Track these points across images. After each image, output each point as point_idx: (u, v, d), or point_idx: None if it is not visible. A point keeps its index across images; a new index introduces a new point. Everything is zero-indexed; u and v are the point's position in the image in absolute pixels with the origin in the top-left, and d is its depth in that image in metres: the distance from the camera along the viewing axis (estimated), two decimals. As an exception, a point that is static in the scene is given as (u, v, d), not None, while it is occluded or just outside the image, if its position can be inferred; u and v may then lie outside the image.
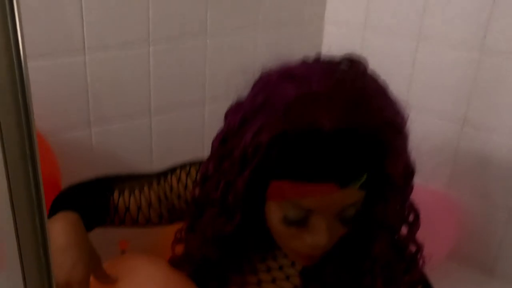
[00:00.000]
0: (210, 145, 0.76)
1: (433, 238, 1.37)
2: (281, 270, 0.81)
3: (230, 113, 0.73)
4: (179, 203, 0.85)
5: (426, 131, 1.44)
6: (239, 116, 0.69)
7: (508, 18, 1.24)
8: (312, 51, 1.61)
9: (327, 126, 0.62)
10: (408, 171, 0.77)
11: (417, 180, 1.52)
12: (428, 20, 1.38)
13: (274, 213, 0.69)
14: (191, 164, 0.86)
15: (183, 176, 0.85)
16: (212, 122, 1.38)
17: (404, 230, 0.81)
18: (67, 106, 1.19)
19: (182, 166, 0.87)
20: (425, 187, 1.47)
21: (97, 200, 0.83)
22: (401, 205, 0.77)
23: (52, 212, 0.78)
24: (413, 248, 0.82)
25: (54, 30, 1.12)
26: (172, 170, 0.87)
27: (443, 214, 1.41)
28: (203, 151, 1.39)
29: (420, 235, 1.36)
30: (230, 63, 1.41)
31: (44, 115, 1.16)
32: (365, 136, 0.64)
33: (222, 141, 0.72)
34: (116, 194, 0.84)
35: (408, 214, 0.80)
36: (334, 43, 1.59)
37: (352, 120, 0.64)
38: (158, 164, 1.19)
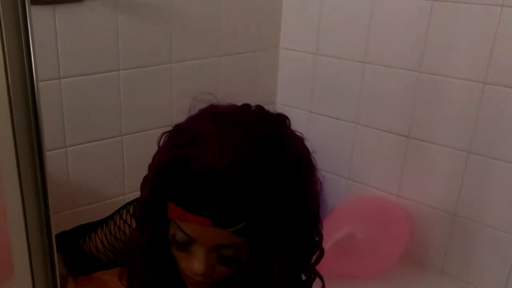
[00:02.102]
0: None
1: (388, 242, 1.49)
2: None
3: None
4: (118, 244, 0.92)
5: (376, 144, 1.57)
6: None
7: (441, 42, 1.40)
8: (270, 75, 1.73)
9: (198, 165, 0.66)
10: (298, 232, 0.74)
11: (371, 190, 1.64)
12: (371, 46, 1.53)
13: (170, 234, 0.74)
14: (123, 207, 0.93)
15: (117, 219, 0.92)
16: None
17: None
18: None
19: (117, 210, 0.93)
20: (378, 197, 1.59)
21: (72, 247, 0.95)
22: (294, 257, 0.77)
23: None
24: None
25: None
26: (112, 216, 0.94)
27: (395, 220, 1.52)
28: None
29: (376, 239, 1.47)
30: (193, 88, 1.51)
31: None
32: (242, 187, 0.66)
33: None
34: (84, 241, 0.96)
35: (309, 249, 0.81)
36: (289, 68, 1.72)
37: (233, 168, 0.66)
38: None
